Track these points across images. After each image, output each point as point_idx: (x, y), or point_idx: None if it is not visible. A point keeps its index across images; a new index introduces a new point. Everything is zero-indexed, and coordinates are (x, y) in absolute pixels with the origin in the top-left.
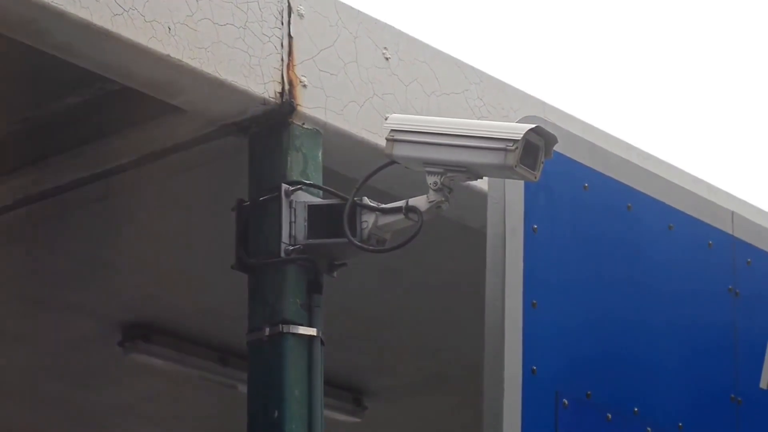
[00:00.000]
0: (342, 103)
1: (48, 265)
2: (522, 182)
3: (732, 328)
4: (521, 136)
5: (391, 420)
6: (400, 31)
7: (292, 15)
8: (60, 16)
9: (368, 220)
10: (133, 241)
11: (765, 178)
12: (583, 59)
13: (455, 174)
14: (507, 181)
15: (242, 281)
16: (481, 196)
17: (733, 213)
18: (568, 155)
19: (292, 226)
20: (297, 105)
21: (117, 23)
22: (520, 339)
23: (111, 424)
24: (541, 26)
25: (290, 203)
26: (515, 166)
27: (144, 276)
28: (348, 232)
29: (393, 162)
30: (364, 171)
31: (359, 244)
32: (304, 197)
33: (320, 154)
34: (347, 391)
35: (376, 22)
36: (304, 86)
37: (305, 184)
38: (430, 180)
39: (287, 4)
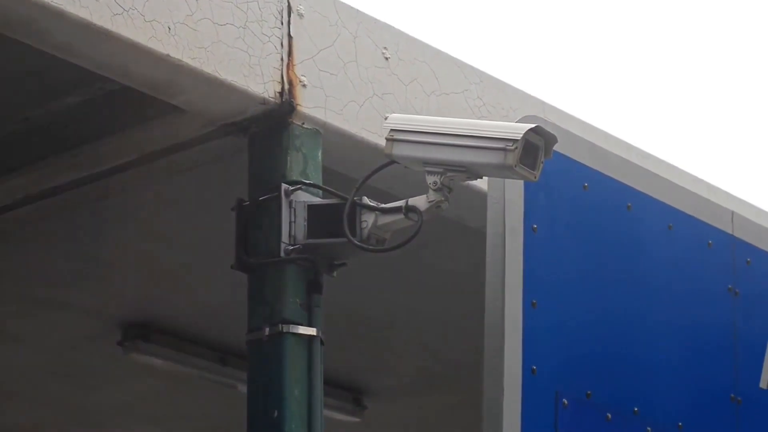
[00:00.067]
0: (342, 103)
1: (48, 264)
2: (522, 182)
3: (732, 327)
4: (521, 135)
5: (391, 420)
6: (399, 30)
7: (291, 15)
8: (60, 16)
9: (368, 220)
10: (133, 240)
11: (765, 178)
12: (583, 59)
13: (455, 174)
14: (507, 180)
15: (242, 281)
16: (481, 196)
17: (732, 213)
18: (568, 155)
19: (292, 226)
20: (297, 105)
21: (117, 23)
22: (520, 339)
23: (111, 423)
24: (541, 26)
25: (290, 203)
26: (515, 166)
27: (144, 276)
28: (348, 232)
29: (393, 162)
30: (363, 171)
31: (359, 243)
32: (304, 197)
33: (320, 154)
34: (347, 391)
35: (376, 21)
36: (304, 86)
37: (305, 183)
38: (430, 180)
39: (287, 4)
